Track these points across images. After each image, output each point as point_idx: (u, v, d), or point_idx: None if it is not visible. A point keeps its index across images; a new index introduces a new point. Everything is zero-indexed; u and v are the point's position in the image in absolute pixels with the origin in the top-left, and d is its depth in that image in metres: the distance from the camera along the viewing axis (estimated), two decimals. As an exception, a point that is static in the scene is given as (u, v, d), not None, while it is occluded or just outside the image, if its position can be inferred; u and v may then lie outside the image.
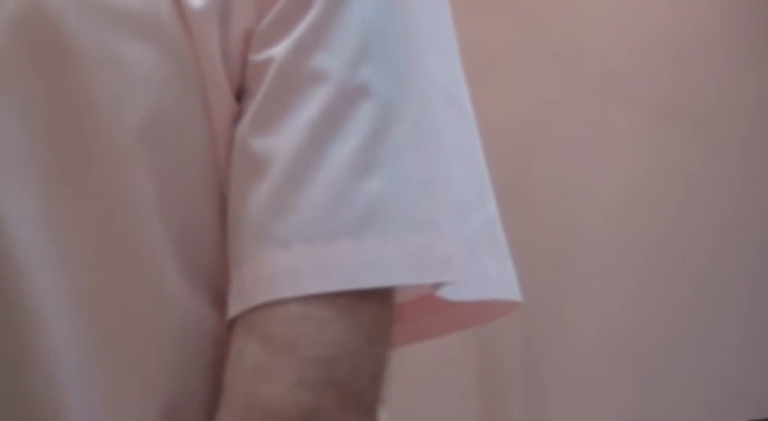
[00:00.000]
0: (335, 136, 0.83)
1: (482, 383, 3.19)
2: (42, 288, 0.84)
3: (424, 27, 0.92)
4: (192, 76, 0.85)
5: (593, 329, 3.42)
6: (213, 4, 0.84)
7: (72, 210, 0.84)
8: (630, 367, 3.50)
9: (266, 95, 0.84)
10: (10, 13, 0.84)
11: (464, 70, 0.97)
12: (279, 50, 0.84)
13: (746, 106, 3.89)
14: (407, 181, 0.85)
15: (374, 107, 0.85)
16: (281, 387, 0.80)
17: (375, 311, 0.84)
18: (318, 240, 0.82)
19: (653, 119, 3.63)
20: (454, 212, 0.90)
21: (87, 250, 0.84)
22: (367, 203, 0.83)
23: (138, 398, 0.85)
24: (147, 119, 0.84)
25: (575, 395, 3.36)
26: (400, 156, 0.85)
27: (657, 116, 3.65)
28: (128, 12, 0.84)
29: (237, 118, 0.85)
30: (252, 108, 0.85)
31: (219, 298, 0.85)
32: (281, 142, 0.83)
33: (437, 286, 0.88)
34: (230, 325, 0.84)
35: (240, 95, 0.86)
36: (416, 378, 2.86)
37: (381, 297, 0.84)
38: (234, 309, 0.84)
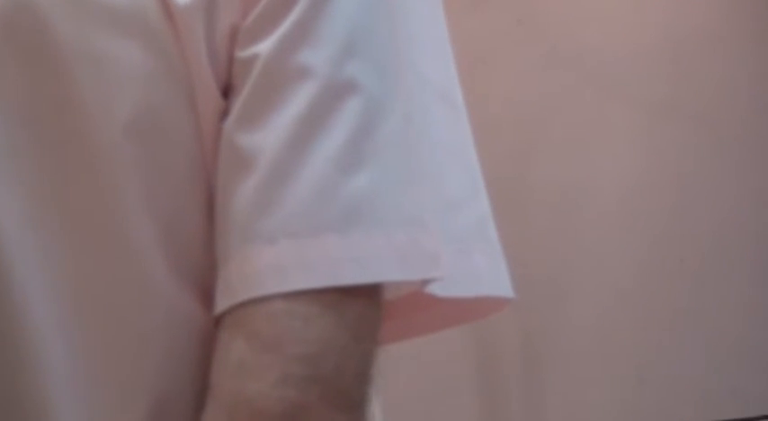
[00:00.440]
0: (321, 132, 0.83)
1: (481, 380, 3.20)
2: (28, 283, 0.84)
3: (414, 25, 0.92)
4: (178, 73, 0.85)
5: (591, 327, 3.42)
6: (199, 1, 0.84)
7: (59, 206, 0.85)
8: (628, 365, 3.50)
9: (252, 92, 0.84)
10: None
11: (462, 67, 0.96)
12: (264, 47, 0.84)
13: (744, 104, 3.89)
14: (394, 177, 0.85)
15: (360, 103, 0.85)
16: (265, 383, 0.80)
17: (361, 308, 0.83)
18: (304, 236, 0.82)
19: (651, 117, 3.63)
20: (444, 209, 0.90)
21: (74, 246, 0.85)
22: (353, 199, 0.83)
23: (126, 395, 0.85)
24: (134, 115, 0.84)
25: (573, 392, 3.37)
26: (387, 153, 0.85)
27: (656, 114, 3.65)
28: (113, 9, 0.84)
29: (224, 114, 0.85)
30: (238, 104, 0.85)
31: (206, 294, 0.85)
32: (267, 138, 0.83)
33: (425, 282, 0.87)
34: (217, 321, 0.84)
35: (226, 92, 0.86)
36: (416, 374, 2.86)
37: (368, 293, 0.84)
38: (220, 305, 0.84)
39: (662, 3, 3.69)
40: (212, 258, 0.85)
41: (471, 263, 0.93)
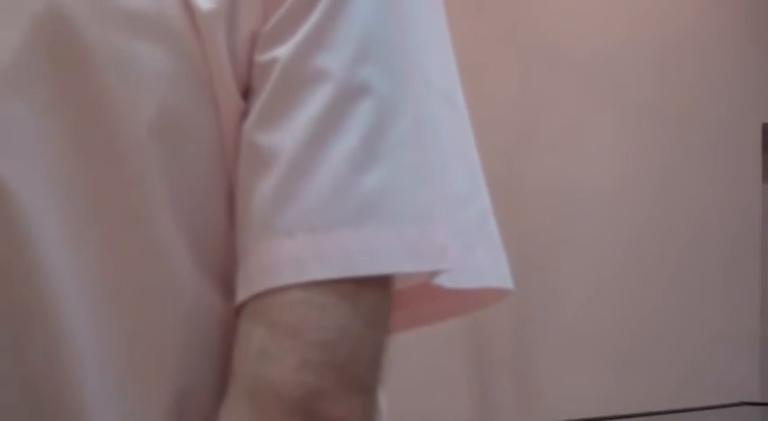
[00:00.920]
0: (337, 132, 0.83)
1: (474, 366, 3.20)
2: (61, 276, 0.84)
3: (421, 30, 0.92)
4: (200, 76, 0.85)
5: (578, 317, 3.43)
6: (221, 7, 0.84)
7: (90, 202, 0.84)
8: (612, 353, 3.51)
9: (271, 94, 0.84)
10: (29, 16, 0.84)
11: (460, 71, 0.96)
12: (283, 51, 0.84)
13: (722, 106, 3.90)
14: (405, 175, 0.85)
15: (373, 105, 0.85)
16: (285, 368, 0.80)
17: (374, 298, 0.83)
18: (320, 230, 0.82)
19: (636, 117, 3.64)
20: (450, 205, 0.90)
21: (103, 240, 0.84)
22: (366, 195, 0.83)
23: (152, 381, 0.85)
24: (158, 115, 0.84)
25: (561, 377, 3.37)
26: (398, 152, 0.85)
27: (640, 115, 3.65)
28: (139, 13, 0.84)
29: (244, 115, 0.85)
30: (257, 105, 0.84)
31: (227, 286, 0.85)
32: (285, 138, 0.83)
33: (433, 274, 0.87)
34: (237, 311, 0.84)
35: (246, 94, 0.85)
36: (411, 360, 2.86)
37: (380, 284, 0.84)
38: (241, 295, 0.83)
39: (645, 11, 3.69)
40: (233, 251, 0.85)
41: (475, 256, 0.93)
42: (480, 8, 3.18)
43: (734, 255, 3.90)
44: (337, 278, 0.82)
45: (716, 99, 3.87)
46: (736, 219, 3.93)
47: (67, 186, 0.84)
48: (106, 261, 0.84)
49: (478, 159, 0.96)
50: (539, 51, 3.40)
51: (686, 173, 3.76)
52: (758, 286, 3.97)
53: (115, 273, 0.84)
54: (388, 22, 0.87)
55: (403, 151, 0.85)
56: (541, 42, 3.40)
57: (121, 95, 0.84)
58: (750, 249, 3.96)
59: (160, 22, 0.84)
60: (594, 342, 3.46)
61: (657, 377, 3.57)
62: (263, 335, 0.81)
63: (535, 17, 3.40)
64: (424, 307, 0.95)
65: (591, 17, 3.53)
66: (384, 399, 0.88)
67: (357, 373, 0.82)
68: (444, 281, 0.88)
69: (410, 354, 2.86)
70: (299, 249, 0.82)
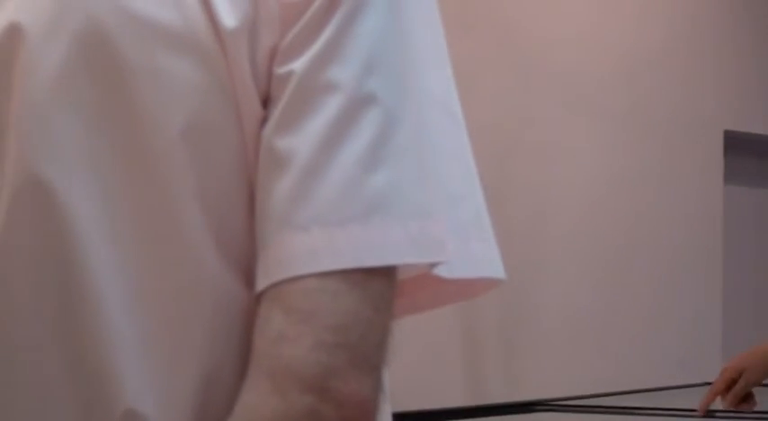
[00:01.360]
0: (347, 137, 0.83)
1: (465, 349, 3.19)
2: (100, 265, 0.83)
3: (421, 45, 0.92)
4: (225, 86, 0.84)
5: (559, 304, 3.43)
6: (244, 25, 0.84)
7: (126, 200, 0.84)
8: (590, 336, 3.51)
9: (288, 102, 0.84)
10: (71, 33, 0.84)
11: (455, 83, 0.96)
12: (299, 64, 0.84)
13: (688, 114, 3.90)
14: (407, 176, 0.85)
15: (379, 113, 0.84)
16: (301, 349, 0.80)
17: (381, 286, 0.83)
18: (332, 225, 0.82)
19: (609, 125, 3.64)
20: (448, 203, 0.90)
21: (138, 233, 0.84)
22: (373, 194, 0.83)
23: (184, 362, 0.85)
24: (188, 122, 0.84)
25: (544, 359, 3.37)
26: (401, 156, 0.85)
27: (613, 123, 3.65)
28: (171, 30, 0.84)
29: (264, 121, 0.85)
30: (276, 113, 0.84)
31: (249, 276, 0.85)
32: (300, 142, 0.83)
33: (433, 265, 0.87)
34: (257, 298, 0.84)
35: (266, 102, 0.85)
36: (407, 341, 2.84)
37: (386, 273, 0.84)
38: (261, 284, 0.83)
39: (620, 31, 3.69)
40: (253, 245, 0.85)
41: (470, 249, 0.92)
42: (473, 28, 3.17)
43: (699, 250, 3.90)
44: (348, 268, 0.81)
45: (683, 108, 3.87)
46: (701, 216, 3.93)
47: (106, 188, 0.84)
48: (141, 255, 0.84)
49: (474, 163, 0.96)
50: (525, 66, 3.39)
51: (656, 175, 3.76)
52: (720, 278, 3.97)
53: (149, 266, 0.84)
54: (392, 38, 0.87)
55: (405, 155, 0.85)
56: (527, 58, 3.40)
57: (155, 104, 0.84)
58: (713, 244, 3.96)
59: (190, 38, 0.84)
60: (573, 327, 3.45)
61: (630, 359, 3.57)
62: (280, 320, 0.81)
63: (522, 36, 3.40)
64: (424, 295, 0.94)
65: (571, 37, 3.53)
66: (387, 378, 0.88)
67: (366, 354, 0.81)
68: (442, 271, 0.88)
69: (406, 336, 2.85)
70: (314, 242, 0.82)
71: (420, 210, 0.85)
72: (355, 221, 0.82)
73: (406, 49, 0.88)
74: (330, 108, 0.83)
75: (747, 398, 2.29)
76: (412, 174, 0.85)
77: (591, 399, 3.11)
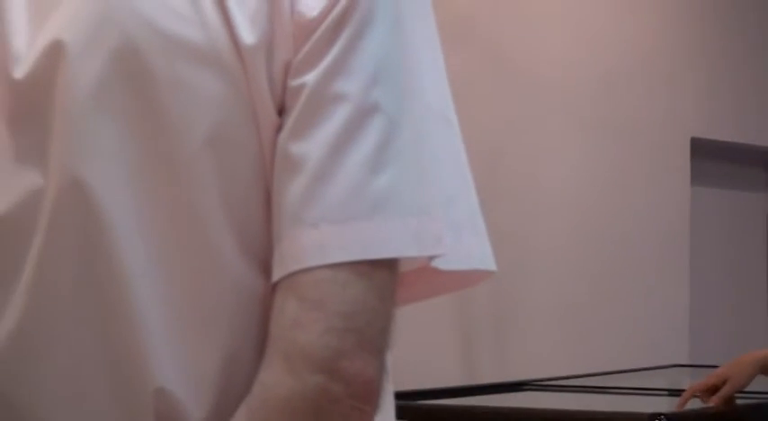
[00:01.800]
0: (353, 143, 0.83)
1: (459, 333, 3.19)
2: (134, 260, 0.83)
3: (421, 59, 0.91)
4: (244, 97, 0.84)
5: (545, 291, 3.42)
6: (261, 43, 0.84)
7: (156, 198, 0.84)
8: (573, 323, 3.50)
9: (301, 112, 0.84)
10: (109, 50, 0.84)
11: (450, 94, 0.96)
12: (310, 77, 0.84)
13: (658, 121, 3.90)
14: (408, 178, 0.85)
15: (383, 121, 0.84)
16: (313, 334, 0.80)
17: (385, 277, 0.83)
18: (340, 222, 0.82)
19: (588, 132, 3.63)
20: (444, 202, 0.89)
21: (168, 230, 0.84)
22: (377, 194, 0.83)
23: (208, 344, 0.85)
24: (211, 130, 0.84)
25: (531, 341, 3.37)
26: (402, 159, 0.85)
27: (591, 130, 3.65)
28: (196, 47, 0.84)
29: (279, 129, 0.85)
30: (290, 121, 0.84)
31: (266, 267, 0.85)
32: (311, 147, 0.83)
33: (431, 258, 0.87)
34: (273, 288, 0.84)
35: (281, 111, 0.85)
36: (406, 325, 2.84)
37: (389, 266, 0.84)
38: (276, 275, 0.83)
39: (597, 47, 3.68)
40: (269, 240, 0.85)
41: (465, 243, 0.92)
42: (466, 44, 3.17)
43: (668, 245, 3.90)
44: (355, 260, 0.81)
45: (654, 118, 3.87)
46: (670, 214, 3.93)
47: (138, 188, 0.84)
48: (170, 249, 0.84)
49: (467, 166, 0.96)
50: (513, 79, 3.39)
51: (631, 177, 3.76)
52: (687, 270, 3.97)
53: (177, 259, 0.84)
54: (394, 54, 0.87)
55: (406, 159, 0.85)
56: (515, 72, 3.40)
57: (182, 113, 0.84)
58: (681, 240, 3.96)
59: (213, 54, 0.84)
60: (557, 315, 3.45)
61: (607, 343, 3.57)
62: (294, 307, 0.81)
63: (510, 52, 3.39)
64: (423, 285, 0.94)
65: (555, 52, 3.53)
66: (390, 359, 0.88)
67: (372, 338, 0.81)
68: (440, 264, 0.88)
69: (406, 322, 2.84)
70: (324, 237, 0.81)
71: (419, 209, 0.85)
72: (361, 219, 0.82)
73: (406, 63, 0.88)
74: (338, 116, 0.83)
75: (729, 401, 2.31)
76: (412, 176, 0.85)
77: (573, 380, 3.11)
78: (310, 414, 0.80)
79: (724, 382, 2.31)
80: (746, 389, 2.35)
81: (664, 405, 2.68)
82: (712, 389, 2.33)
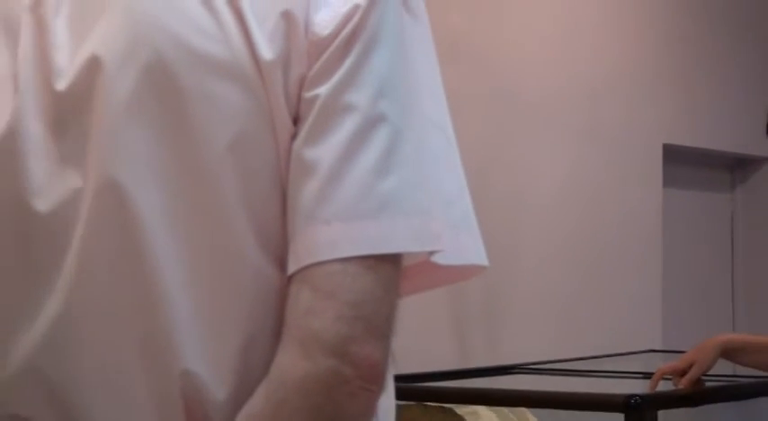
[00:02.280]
0: (362, 149, 0.83)
1: (453, 319, 3.19)
2: (164, 249, 0.84)
3: (421, 75, 0.91)
4: (263, 108, 0.84)
5: (533, 282, 3.42)
6: (279, 58, 0.84)
7: (184, 198, 0.84)
8: (556, 312, 3.50)
9: (314, 120, 0.84)
10: (141, 64, 0.84)
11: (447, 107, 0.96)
12: (323, 89, 0.84)
13: (633, 130, 3.90)
14: (411, 181, 0.85)
15: (388, 130, 0.85)
16: (325, 321, 0.80)
17: (390, 270, 0.84)
18: (350, 220, 0.82)
19: (570, 141, 3.63)
20: (443, 204, 0.90)
21: (194, 227, 0.84)
22: (383, 196, 0.83)
23: (229, 330, 0.85)
24: (233, 137, 0.84)
25: (521, 328, 3.36)
26: (406, 165, 0.85)
27: (576, 139, 3.65)
28: (220, 62, 0.84)
29: (294, 136, 0.85)
30: (304, 129, 0.84)
31: (281, 262, 0.85)
32: (324, 153, 0.83)
33: (431, 254, 0.87)
34: (288, 279, 0.84)
35: (296, 120, 0.85)
36: (404, 313, 2.84)
37: (394, 260, 0.84)
38: (291, 268, 0.83)
39: (577, 64, 3.68)
40: (285, 236, 0.85)
41: (461, 241, 0.92)
42: (460, 62, 3.17)
43: (643, 241, 3.90)
44: (364, 255, 0.82)
45: (629, 126, 3.86)
46: (645, 214, 3.93)
47: (168, 189, 0.84)
48: (196, 245, 0.84)
49: (462, 172, 0.96)
50: (501, 94, 3.39)
51: (608, 180, 3.76)
52: (660, 264, 3.97)
53: (203, 254, 0.84)
54: (398, 69, 0.87)
55: (409, 164, 0.85)
56: (503, 87, 3.40)
57: (207, 122, 0.84)
58: (655, 237, 3.96)
59: (235, 68, 0.84)
60: (542, 304, 3.45)
61: (587, 331, 3.57)
62: (308, 297, 0.81)
63: (498, 69, 3.39)
64: (422, 278, 0.94)
65: (539, 69, 3.53)
66: (393, 346, 0.88)
67: (378, 325, 0.82)
68: (438, 259, 0.88)
69: (404, 310, 2.84)
70: (335, 234, 0.82)
71: (421, 209, 0.85)
72: (369, 217, 0.82)
73: (409, 79, 0.89)
74: (348, 125, 0.83)
75: (696, 383, 2.33)
76: (414, 180, 0.85)
77: (557, 364, 3.11)
78: (323, 393, 0.80)
79: (691, 366, 2.32)
80: (711, 373, 2.36)
81: (639, 387, 2.67)
82: (680, 373, 2.34)
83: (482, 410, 2.40)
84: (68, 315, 0.84)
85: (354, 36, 0.85)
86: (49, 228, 0.85)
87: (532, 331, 3.39)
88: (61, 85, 0.86)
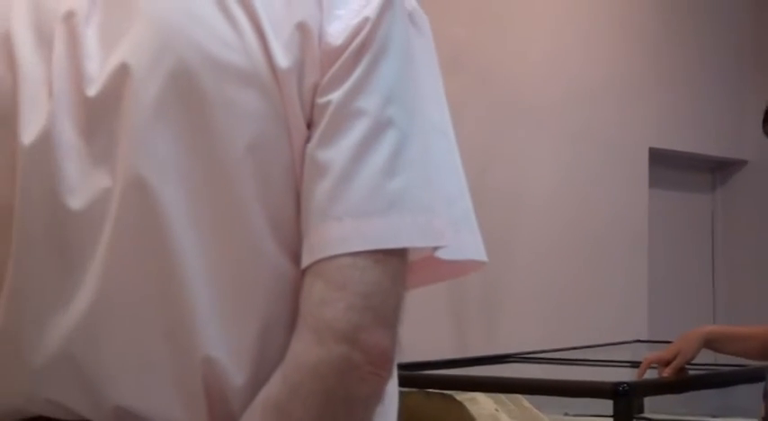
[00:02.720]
0: (371, 151, 0.84)
1: (452, 311, 3.19)
2: (187, 243, 0.84)
3: (425, 83, 0.92)
4: (279, 113, 0.85)
5: (528, 276, 3.42)
6: (294, 66, 0.84)
7: (205, 196, 0.84)
8: (550, 305, 3.51)
9: (327, 124, 0.84)
10: (166, 70, 0.85)
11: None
12: (335, 96, 0.84)
13: (622, 134, 3.90)
14: (416, 182, 0.86)
15: (396, 134, 0.85)
16: (337, 311, 0.81)
17: (397, 264, 0.84)
18: (360, 217, 0.82)
19: (562, 144, 3.63)
20: (446, 203, 0.90)
21: (215, 223, 0.84)
22: (391, 195, 0.84)
23: (247, 318, 0.85)
24: (251, 139, 0.84)
25: (517, 318, 3.36)
26: (412, 166, 0.85)
27: (566, 142, 3.65)
28: (240, 70, 0.84)
29: (308, 139, 0.85)
30: (317, 133, 0.85)
31: (296, 256, 0.85)
32: (336, 155, 0.84)
33: (435, 249, 0.88)
34: (303, 272, 0.84)
35: (310, 125, 0.85)
36: (408, 306, 2.82)
37: (400, 254, 0.84)
38: (305, 261, 0.84)
39: (569, 72, 3.69)
40: (299, 232, 0.85)
41: (462, 237, 0.92)
42: (460, 71, 3.17)
43: (630, 239, 3.90)
44: (373, 249, 0.82)
45: (618, 130, 3.86)
46: (632, 213, 3.93)
47: (190, 187, 0.84)
48: (217, 240, 0.84)
49: (463, 173, 0.96)
50: (498, 100, 3.39)
51: (598, 181, 3.76)
52: (646, 260, 3.97)
53: (223, 248, 0.84)
54: (405, 77, 0.87)
55: (415, 166, 0.86)
56: (500, 94, 3.40)
57: (227, 126, 0.84)
58: (641, 235, 3.96)
59: (254, 76, 0.84)
60: (537, 297, 3.45)
61: (579, 322, 3.57)
62: (321, 289, 0.82)
63: (496, 77, 3.39)
64: (426, 272, 0.94)
65: (534, 77, 3.53)
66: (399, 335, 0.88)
67: (386, 314, 0.82)
68: (441, 254, 0.88)
69: (407, 302, 2.83)
70: (346, 230, 0.82)
71: (426, 208, 0.85)
72: (377, 215, 0.83)
73: (414, 86, 0.89)
74: (359, 129, 0.84)
75: (680, 371, 2.33)
76: (420, 181, 0.86)
77: (550, 353, 3.11)
78: (335, 377, 0.80)
79: (675, 355, 2.33)
80: (694, 362, 2.36)
81: (627, 375, 2.68)
82: (666, 362, 2.34)
83: (480, 397, 2.40)
84: (99, 305, 0.85)
85: (364, 47, 0.85)
86: (82, 225, 0.85)
87: (527, 322, 3.39)
88: (92, 91, 0.86)
